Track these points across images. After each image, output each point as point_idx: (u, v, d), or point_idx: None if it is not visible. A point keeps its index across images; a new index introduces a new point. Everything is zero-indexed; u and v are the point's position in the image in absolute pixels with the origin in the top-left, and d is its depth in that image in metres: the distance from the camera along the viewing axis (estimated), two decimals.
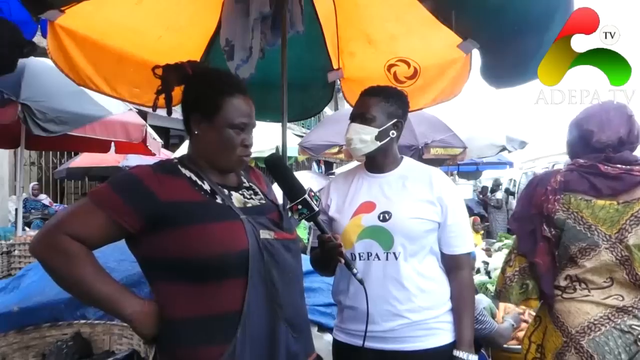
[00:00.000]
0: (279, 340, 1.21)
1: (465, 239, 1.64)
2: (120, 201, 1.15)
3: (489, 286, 3.62)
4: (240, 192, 1.34)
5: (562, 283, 1.70)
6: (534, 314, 2.01)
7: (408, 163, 1.71)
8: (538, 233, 1.72)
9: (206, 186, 1.26)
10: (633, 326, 1.58)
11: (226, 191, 1.29)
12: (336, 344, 1.69)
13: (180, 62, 1.33)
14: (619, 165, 1.65)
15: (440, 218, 1.60)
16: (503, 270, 1.86)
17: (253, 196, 1.37)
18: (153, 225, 1.16)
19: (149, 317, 1.15)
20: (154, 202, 1.16)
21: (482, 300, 2.98)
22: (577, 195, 1.67)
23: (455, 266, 1.63)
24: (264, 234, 1.23)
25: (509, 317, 2.87)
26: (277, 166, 1.41)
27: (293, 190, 1.35)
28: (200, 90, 1.30)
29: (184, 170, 1.26)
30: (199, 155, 1.30)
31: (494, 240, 6.65)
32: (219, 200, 1.25)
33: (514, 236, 1.91)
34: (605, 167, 1.65)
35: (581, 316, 1.63)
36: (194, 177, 1.26)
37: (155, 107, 1.45)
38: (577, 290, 1.67)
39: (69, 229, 1.13)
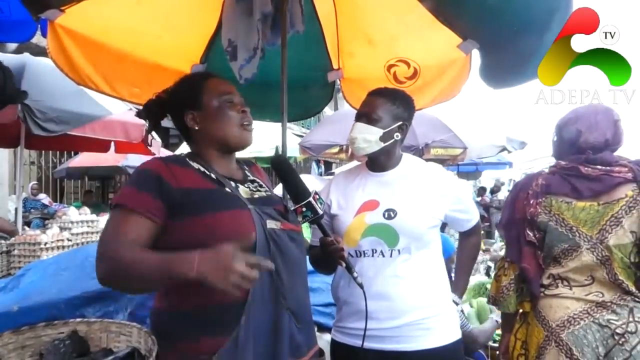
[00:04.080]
0: (282, 330, 1.22)
1: (474, 212, 1.83)
2: (149, 197, 1.18)
3: (489, 286, 3.61)
4: (245, 185, 1.37)
5: (545, 282, 1.75)
6: None
7: (408, 160, 1.72)
8: (522, 238, 1.77)
9: (213, 177, 1.30)
10: (611, 320, 1.62)
11: (233, 183, 1.32)
12: (334, 344, 1.69)
13: (154, 95, 1.41)
14: (599, 167, 1.68)
15: (452, 208, 1.67)
16: (497, 279, 1.88)
17: (259, 188, 1.40)
18: (170, 215, 1.19)
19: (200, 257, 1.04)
20: (171, 191, 1.19)
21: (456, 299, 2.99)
22: (558, 197, 1.72)
23: (470, 233, 1.86)
24: (271, 224, 1.25)
25: (495, 315, 2.88)
26: (283, 167, 1.41)
27: (298, 192, 1.35)
28: (181, 92, 1.38)
29: (192, 163, 1.31)
30: (205, 148, 1.34)
31: (494, 241, 6.66)
32: (227, 190, 1.28)
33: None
34: (586, 168, 1.68)
35: (562, 310, 1.68)
36: (202, 169, 1.30)
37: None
38: (559, 287, 1.71)
39: (114, 245, 1.14)
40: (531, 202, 1.75)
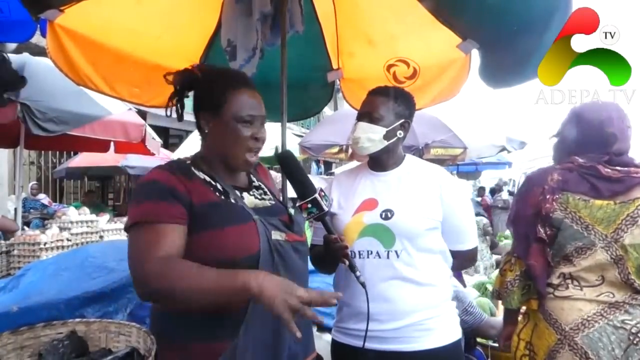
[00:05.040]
0: (282, 341, 1.21)
1: (469, 235, 1.68)
2: (169, 204, 1.15)
3: (489, 286, 3.61)
4: (251, 192, 1.35)
5: (555, 281, 1.72)
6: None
7: (411, 161, 1.71)
8: (532, 235, 1.73)
9: (219, 187, 1.27)
10: (625, 321, 1.61)
11: (238, 192, 1.30)
12: (335, 344, 1.69)
13: (190, 66, 1.35)
14: (618, 168, 1.67)
15: (444, 216, 1.61)
16: (502, 273, 1.86)
17: (264, 196, 1.38)
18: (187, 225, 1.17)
19: (262, 275, 1.04)
20: (185, 201, 1.17)
21: (471, 294, 3.00)
22: (575, 195, 1.69)
23: (460, 261, 1.72)
24: (276, 235, 1.24)
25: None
26: (289, 163, 1.41)
27: (304, 188, 1.36)
28: (207, 88, 1.31)
29: (197, 172, 1.27)
30: (212, 154, 1.32)
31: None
32: (232, 201, 1.26)
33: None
34: (607, 170, 1.67)
35: (575, 313, 1.66)
36: (208, 179, 1.27)
37: (169, 111, 1.42)
38: (570, 288, 1.69)
39: (156, 256, 1.09)
40: (547, 197, 1.70)
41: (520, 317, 1.90)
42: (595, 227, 1.65)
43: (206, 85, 1.31)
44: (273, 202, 1.40)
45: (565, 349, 1.64)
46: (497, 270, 4.45)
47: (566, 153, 1.81)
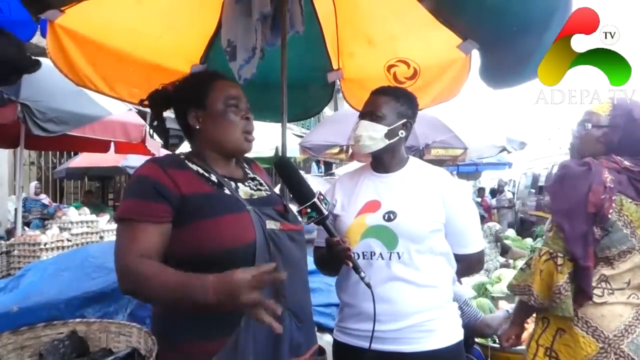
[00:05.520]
0: (283, 330, 1.21)
1: (473, 238, 1.67)
2: (153, 203, 1.18)
3: (489, 287, 3.61)
4: (246, 183, 1.37)
5: (594, 283, 1.66)
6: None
7: (414, 163, 1.71)
8: (590, 235, 1.64)
9: (213, 178, 1.29)
10: None
11: (233, 183, 1.32)
12: (336, 344, 1.69)
13: (161, 86, 1.41)
14: None
15: (447, 218, 1.60)
16: (542, 274, 1.71)
17: (259, 187, 1.40)
18: (176, 219, 1.20)
19: (219, 283, 1.03)
20: (171, 196, 1.19)
21: (466, 292, 2.99)
22: (628, 198, 1.65)
23: (466, 265, 1.69)
24: (270, 225, 1.25)
25: (507, 307, 2.86)
26: (286, 169, 1.41)
27: (302, 193, 1.35)
28: (187, 89, 1.37)
29: (190, 165, 1.30)
30: (206, 148, 1.34)
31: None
32: (226, 192, 1.27)
33: (550, 236, 1.74)
34: None
35: (617, 319, 1.62)
36: (201, 171, 1.29)
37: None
38: (605, 293, 1.65)
39: (131, 254, 1.14)
40: (609, 197, 1.63)
41: (537, 322, 1.82)
42: (637, 230, 1.64)
43: (186, 88, 1.38)
44: (268, 193, 1.41)
45: (610, 357, 1.59)
46: (503, 270, 4.38)
47: (605, 149, 1.74)
